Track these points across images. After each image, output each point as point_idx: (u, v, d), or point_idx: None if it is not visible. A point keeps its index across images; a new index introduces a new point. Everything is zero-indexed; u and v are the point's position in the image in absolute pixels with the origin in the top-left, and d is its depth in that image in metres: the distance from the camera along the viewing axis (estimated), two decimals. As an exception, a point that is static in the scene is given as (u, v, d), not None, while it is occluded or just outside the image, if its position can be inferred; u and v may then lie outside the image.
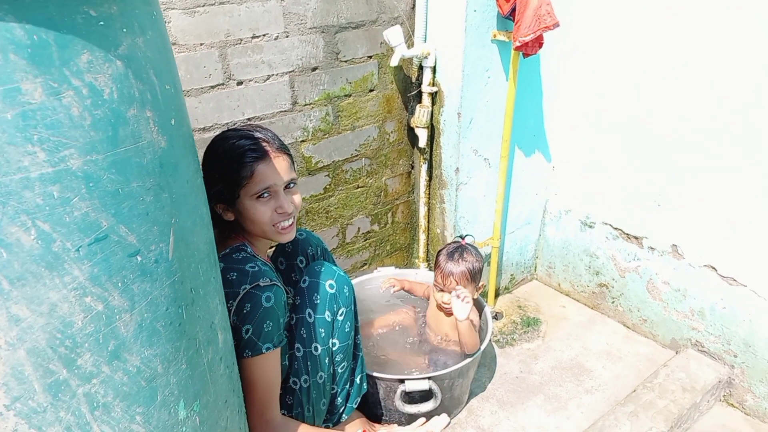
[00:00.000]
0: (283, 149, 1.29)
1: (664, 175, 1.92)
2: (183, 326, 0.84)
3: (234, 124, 1.60)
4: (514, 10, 1.71)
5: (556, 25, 1.69)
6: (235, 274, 1.22)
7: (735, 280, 1.82)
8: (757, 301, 1.76)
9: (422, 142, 1.98)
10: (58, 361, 0.66)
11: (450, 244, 1.78)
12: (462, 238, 1.78)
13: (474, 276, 1.71)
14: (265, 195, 1.26)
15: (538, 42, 1.75)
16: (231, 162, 1.23)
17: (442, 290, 1.73)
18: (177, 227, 0.81)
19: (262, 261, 1.29)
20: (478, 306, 1.87)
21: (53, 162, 0.61)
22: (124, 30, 0.69)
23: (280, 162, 1.27)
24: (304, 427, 1.36)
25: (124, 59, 0.69)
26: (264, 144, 1.26)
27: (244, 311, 1.19)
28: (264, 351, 1.21)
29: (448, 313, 1.78)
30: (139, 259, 0.74)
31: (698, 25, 1.69)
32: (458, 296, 1.62)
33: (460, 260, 1.70)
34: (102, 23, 0.65)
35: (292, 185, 1.33)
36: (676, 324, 2.04)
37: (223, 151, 1.24)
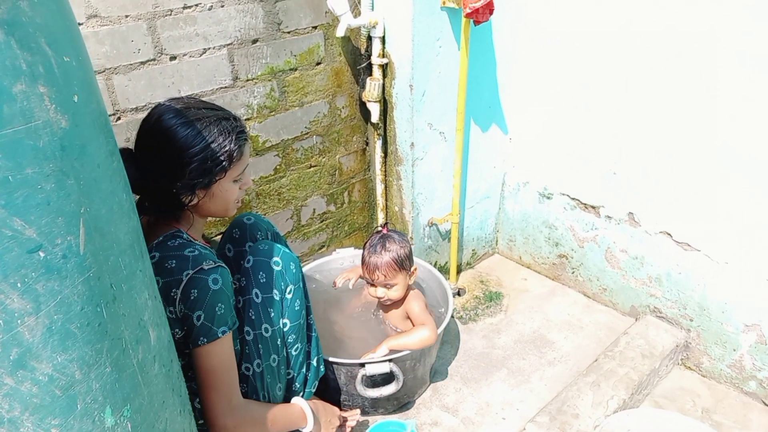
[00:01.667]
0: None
1: (619, 143, 1.90)
2: (104, 326, 0.76)
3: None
4: (463, -25, 1.64)
5: (507, -10, 1.63)
6: (174, 261, 1.14)
7: (689, 245, 1.83)
8: (711, 265, 1.78)
9: (375, 117, 1.91)
10: (-58, 378, 0.57)
11: (372, 235, 1.71)
12: (382, 226, 1.73)
13: (401, 263, 1.65)
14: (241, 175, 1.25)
15: (489, 8, 1.69)
16: (221, 143, 1.15)
17: (372, 284, 1.68)
18: (88, 217, 0.72)
19: (201, 245, 1.22)
20: (425, 288, 1.83)
21: None
22: (-3, -11, 0.59)
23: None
24: (266, 406, 1.34)
25: (2, 25, 0.60)
26: (238, 121, 1.21)
27: (192, 297, 1.12)
28: (220, 335, 1.15)
29: (389, 307, 1.74)
30: (41, 255, 0.66)
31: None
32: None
33: (383, 251, 1.64)
34: (-37, -21, 0.56)
35: None
36: (634, 291, 2.06)
37: (209, 134, 1.14)
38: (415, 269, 1.72)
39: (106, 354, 0.76)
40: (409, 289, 1.72)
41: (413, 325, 1.68)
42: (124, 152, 1.04)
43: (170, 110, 1.14)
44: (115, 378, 0.78)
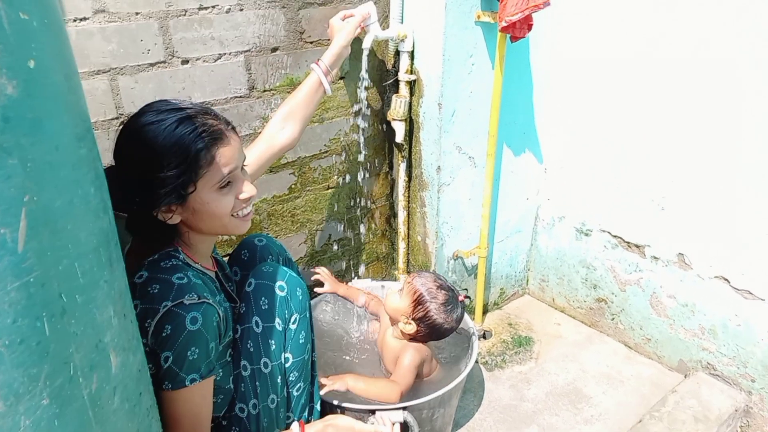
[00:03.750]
0: (228, 123, 1.07)
1: (668, 175, 1.72)
2: (44, 345, 0.61)
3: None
4: (501, -14, 1.52)
5: (547, 3, 1.50)
6: (158, 286, 0.98)
7: (751, 293, 1.61)
8: (777, 317, 1.56)
9: (400, 137, 1.77)
10: None
11: (451, 289, 1.55)
12: (466, 296, 1.58)
13: (417, 302, 1.48)
14: (227, 182, 1.04)
15: (527, 23, 1.56)
16: (180, 150, 0.96)
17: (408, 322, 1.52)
18: (35, 208, 0.59)
19: (196, 271, 1.06)
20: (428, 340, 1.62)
21: None
22: None
23: (234, 139, 1.05)
24: None
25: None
26: (211, 120, 1.02)
27: (164, 334, 0.95)
28: (188, 383, 0.97)
29: (387, 345, 1.59)
30: (-40, 248, 0.52)
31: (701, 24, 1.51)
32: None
33: (437, 289, 1.49)
34: None
35: (244, 166, 1.12)
36: (683, 343, 1.83)
37: (163, 140, 0.96)
38: (411, 327, 1.50)
39: (44, 381, 0.61)
40: (413, 340, 1.55)
41: (390, 374, 1.53)
42: (110, 170, 0.90)
43: (142, 113, 0.99)
44: (55, 413, 0.62)
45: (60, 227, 0.63)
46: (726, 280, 1.66)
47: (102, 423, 0.70)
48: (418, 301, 1.48)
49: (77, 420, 0.66)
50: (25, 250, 0.58)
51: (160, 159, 0.95)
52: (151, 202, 0.99)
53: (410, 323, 1.50)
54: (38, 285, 0.60)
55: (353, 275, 1.98)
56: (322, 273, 1.72)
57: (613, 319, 2.04)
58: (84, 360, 0.67)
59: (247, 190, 1.08)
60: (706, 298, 1.73)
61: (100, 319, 0.70)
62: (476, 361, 1.55)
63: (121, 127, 1.01)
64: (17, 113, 0.57)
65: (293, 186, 1.71)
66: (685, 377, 1.82)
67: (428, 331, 1.51)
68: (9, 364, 0.57)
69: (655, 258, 1.84)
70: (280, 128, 1.39)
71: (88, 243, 0.68)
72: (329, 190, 1.81)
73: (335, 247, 1.91)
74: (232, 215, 1.07)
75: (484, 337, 2.03)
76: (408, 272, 2.03)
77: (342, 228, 1.90)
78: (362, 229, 1.95)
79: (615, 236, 1.94)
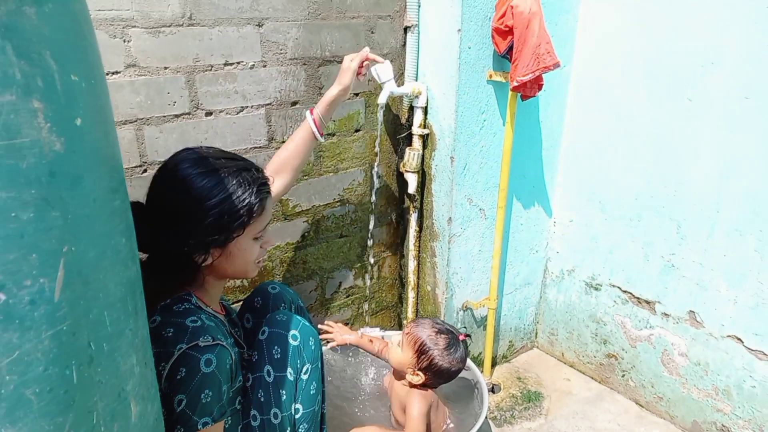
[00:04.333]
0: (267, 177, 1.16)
1: (678, 231, 1.74)
2: (71, 394, 0.62)
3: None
4: (511, 48, 1.59)
5: (557, 65, 1.56)
6: (172, 330, 1.00)
7: (765, 354, 1.59)
8: (793, 379, 1.54)
9: (412, 188, 1.81)
10: None
11: (450, 331, 1.53)
12: (466, 335, 1.56)
13: (420, 349, 1.46)
14: (262, 233, 1.12)
15: (538, 83, 1.62)
16: (238, 200, 1.03)
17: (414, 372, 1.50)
18: (72, 259, 0.61)
19: (208, 314, 1.08)
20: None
21: None
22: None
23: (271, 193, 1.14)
24: None
25: (-1, 27, 0.52)
26: (261, 174, 1.11)
27: (178, 377, 0.96)
28: (200, 427, 0.97)
29: (396, 393, 1.56)
30: (1, 297, 0.54)
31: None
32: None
33: (436, 333, 1.48)
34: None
35: None
36: (697, 404, 1.79)
37: (223, 189, 1.02)
38: (420, 377, 1.49)
39: (68, 431, 0.61)
40: (419, 387, 1.53)
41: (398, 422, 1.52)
42: (136, 206, 0.93)
43: (187, 159, 1.04)
44: (75, 463, 0.62)
45: (92, 277, 0.65)
46: (739, 339, 1.65)
47: (119, 474, 0.70)
48: (421, 351, 1.47)
49: (96, 471, 0.66)
50: (61, 299, 0.60)
51: (218, 206, 1.01)
52: (195, 242, 1.02)
53: (417, 374, 1.49)
54: (70, 333, 0.61)
55: (363, 323, 1.97)
56: (334, 325, 1.70)
57: (623, 375, 2.01)
58: (106, 409, 0.67)
59: (272, 241, 1.17)
60: (719, 357, 1.70)
61: (124, 368, 0.71)
62: (485, 417, 1.52)
63: (162, 167, 1.06)
64: (62, 168, 0.60)
65: (306, 234, 1.73)
66: (700, 439, 1.78)
67: (436, 378, 1.49)
68: (37, 413, 0.58)
69: (665, 315, 1.83)
70: (272, 180, 1.41)
71: (116, 292, 0.70)
72: (341, 239, 1.83)
73: (344, 296, 1.92)
74: (254, 261, 1.13)
75: (492, 391, 2.00)
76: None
77: (352, 276, 1.91)
78: (373, 277, 1.96)
79: (625, 291, 1.93)
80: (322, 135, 1.43)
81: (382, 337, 1.81)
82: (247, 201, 1.04)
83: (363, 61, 1.45)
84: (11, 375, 0.55)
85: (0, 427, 0.55)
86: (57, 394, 0.60)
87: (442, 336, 1.49)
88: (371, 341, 1.71)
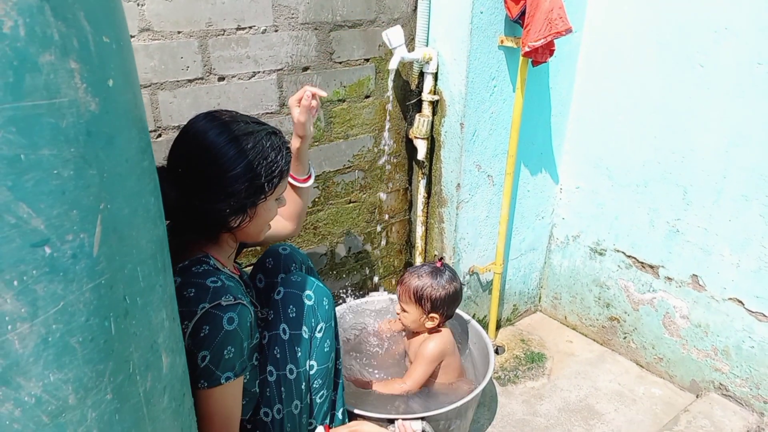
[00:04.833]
0: None
1: (683, 196, 1.76)
2: (110, 344, 0.65)
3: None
4: (523, 13, 1.58)
5: (569, 30, 1.55)
6: (194, 290, 1.03)
7: (765, 316, 1.63)
8: (791, 340, 1.58)
9: (421, 154, 1.82)
10: None
11: (430, 261, 1.63)
12: (440, 259, 1.63)
13: (419, 298, 1.54)
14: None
15: (549, 49, 1.61)
16: (273, 162, 1.06)
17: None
18: (108, 215, 0.64)
19: (227, 274, 1.11)
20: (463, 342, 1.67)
21: None
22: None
23: None
24: None
25: (37, -13, 0.53)
26: (284, 139, 1.13)
27: (201, 334, 1.00)
28: (223, 381, 1.01)
29: (412, 335, 1.65)
30: (47, 250, 0.57)
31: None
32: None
33: (416, 276, 1.56)
34: None
35: None
36: (696, 364, 1.85)
37: (259, 150, 1.04)
38: (435, 318, 1.56)
39: (108, 378, 0.65)
40: (435, 329, 1.59)
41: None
42: (160, 171, 0.95)
43: (216, 124, 1.05)
44: (116, 408, 0.67)
45: (126, 234, 0.68)
46: (740, 302, 1.69)
47: (153, 420, 0.74)
48: (419, 298, 1.54)
49: (134, 416, 0.70)
50: (99, 254, 0.63)
51: (255, 168, 1.04)
52: (234, 204, 1.04)
53: (432, 318, 1.56)
54: (108, 287, 0.64)
55: (370, 287, 2.02)
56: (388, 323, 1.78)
57: (625, 338, 2.06)
58: (141, 359, 0.71)
59: (284, 201, 1.19)
60: (720, 319, 1.75)
61: (155, 322, 0.75)
62: (490, 377, 1.57)
63: (189, 132, 1.05)
64: (98, 128, 0.62)
65: (317, 199, 1.76)
66: (697, 397, 1.84)
67: (447, 308, 1.57)
68: (81, 360, 0.61)
69: (668, 279, 1.87)
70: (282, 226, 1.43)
71: (147, 249, 0.73)
72: (350, 204, 1.86)
73: (353, 260, 1.95)
74: (268, 223, 1.16)
75: (497, 352, 2.06)
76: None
77: (361, 241, 1.95)
78: (381, 243, 2.00)
79: (629, 256, 1.97)
80: (305, 180, 1.37)
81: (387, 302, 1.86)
82: (280, 163, 1.08)
83: (311, 99, 1.28)
84: (57, 324, 0.59)
85: (48, 372, 0.58)
86: (98, 343, 0.63)
87: (424, 274, 1.56)
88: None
